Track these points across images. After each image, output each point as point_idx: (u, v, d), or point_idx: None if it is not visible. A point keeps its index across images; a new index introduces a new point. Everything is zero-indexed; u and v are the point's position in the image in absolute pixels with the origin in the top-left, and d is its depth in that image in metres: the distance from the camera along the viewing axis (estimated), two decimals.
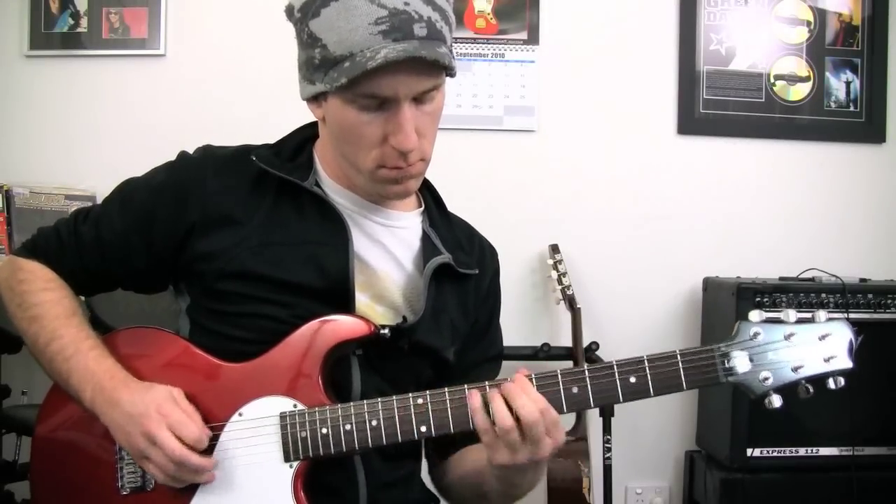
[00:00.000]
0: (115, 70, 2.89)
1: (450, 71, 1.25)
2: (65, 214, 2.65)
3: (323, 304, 1.30)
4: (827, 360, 1.19)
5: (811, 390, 1.19)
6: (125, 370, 1.30)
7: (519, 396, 1.17)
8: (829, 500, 2.57)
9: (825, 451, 2.58)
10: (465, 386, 1.23)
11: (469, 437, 1.25)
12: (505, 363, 2.52)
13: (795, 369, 1.19)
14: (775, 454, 2.57)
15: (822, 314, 1.20)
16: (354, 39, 1.17)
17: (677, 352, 1.21)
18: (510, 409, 1.17)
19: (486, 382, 1.23)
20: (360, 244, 1.36)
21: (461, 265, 1.43)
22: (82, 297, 1.44)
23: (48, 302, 1.35)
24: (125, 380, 1.28)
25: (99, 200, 2.70)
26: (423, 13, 1.19)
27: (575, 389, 1.22)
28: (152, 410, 1.22)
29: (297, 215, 1.35)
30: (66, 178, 2.82)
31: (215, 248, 1.32)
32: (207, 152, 1.40)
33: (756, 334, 1.20)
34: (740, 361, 1.20)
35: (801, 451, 2.58)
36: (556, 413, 1.19)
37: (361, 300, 1.34)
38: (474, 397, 1.20)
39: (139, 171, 1.43)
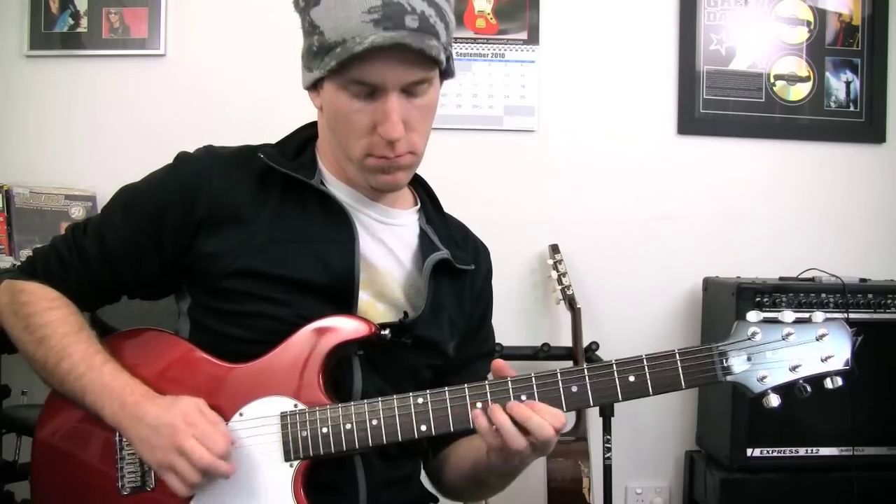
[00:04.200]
0: (115, 70, 2.89)
1: (440, 65, 1.27)
2: (65, 214, 2.71)
3: (326, 302, 1.31)
4: (824, 360, 1.20)
5: (809, 390, 1.21)
6: (142, 383, 1.29)
7: (532, 419, 1.19)
8: (829, 500, 2.57)
9: (825, 451, 2.58)
10: (465, 386, 1.25)
11: (464, 431, 1.26)
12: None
13: (793, 369, 1.20)
14: (775, 454, 2.57)
15: (819, 315, 1.21)
16: (347, 27, 1.21)
17: (676, 351, 1.22)
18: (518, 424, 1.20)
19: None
20: (363, 241, 1.37)
21: (458, 261, 1.44)
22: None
23: (55, 321, 1.33)
24: (147, 394, 1.27)
25: (99, 200, 2.75)
26: (417, 7, 1.22)
27: (574, 388, 1.23)
28: (179, 422, 1.21)
29: (302, 213, 1.36)
30: (66, 178, 2.82)
31: (221, 247, 1.32)
32: (210, 151, 1.41)
33: (754, 334, 1.21)
34: (738, 361, 1.21)
35: (801, 451, 2.58)
36: (564, 418, 1.22)
37: (363, 298, 1.35)
38: (480, 419, 1.22)
39: (139, 170, 1.43)
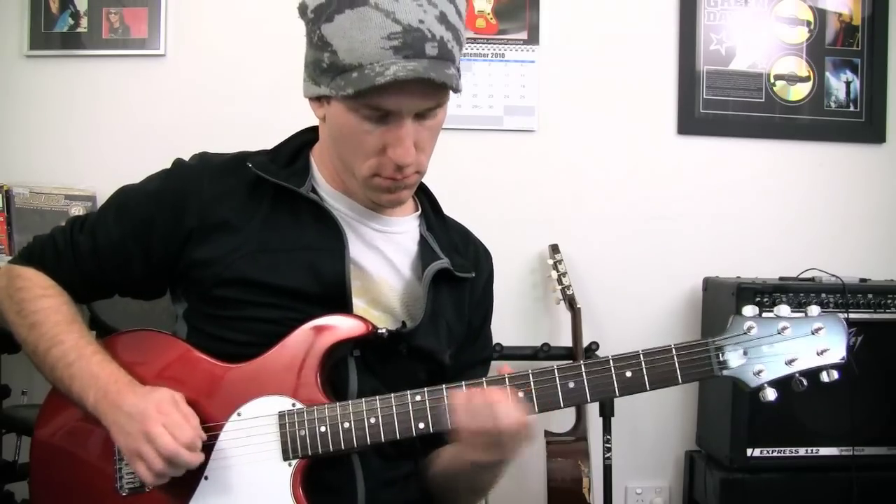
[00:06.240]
0: (115, 70, 2.89)
1: (455, 90, 1.25)
2: (65, 214, 2.71)
3: (320, 309, 1.31)
4: (820, 354, 1.21)
5: (805, 384, 1.21)
6: (128, 374, 1.30)
7: (504, 404, 1.19)
8: (829, 500, 2.56)
9: (825, 451, 2.57)
10: (463, 383, 1.25)
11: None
12: (505, 363, 2.53)
13: (789, 362, 1.21)
14: (775, 454, 2.57)
15: (814, 308, 1.22)
16: (365, 51, 1.18)
17: (672, 346, 1.23)
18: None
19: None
20: (357, 249, 1.37)
21: (458, 269, 1.43)
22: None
23: (47, 309, 1.35)
24: (129, 384, 1.28)
25: (99, 200, 2.75)
26: (437, 33, 1.20)
27: (571, 385, 1.23)
28: (152, 410, 1.22)
29: (293, 221, 1.35)
30: (66, 178, 2.82)
31: (213, 255, 1.32)
32: (204, 159, 1.41)
33: (750, 328, 1.22)
34: (734, 355, 1.21)
35: (801, 451, 2.57)
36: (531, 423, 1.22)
37: (358, 305, 1.35)
38: (457, 396, 1.22)
39: (138, 171, 1.43)
